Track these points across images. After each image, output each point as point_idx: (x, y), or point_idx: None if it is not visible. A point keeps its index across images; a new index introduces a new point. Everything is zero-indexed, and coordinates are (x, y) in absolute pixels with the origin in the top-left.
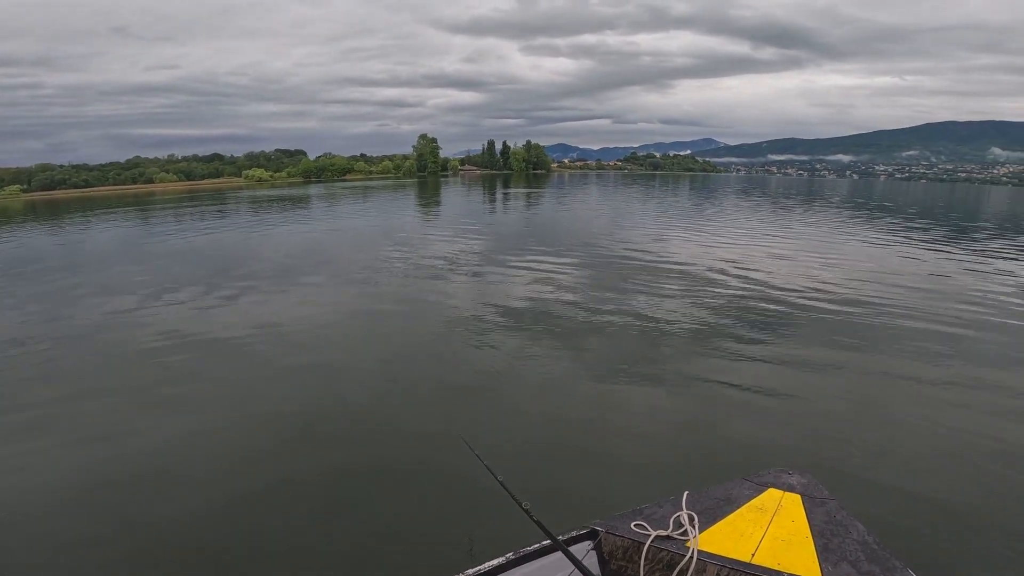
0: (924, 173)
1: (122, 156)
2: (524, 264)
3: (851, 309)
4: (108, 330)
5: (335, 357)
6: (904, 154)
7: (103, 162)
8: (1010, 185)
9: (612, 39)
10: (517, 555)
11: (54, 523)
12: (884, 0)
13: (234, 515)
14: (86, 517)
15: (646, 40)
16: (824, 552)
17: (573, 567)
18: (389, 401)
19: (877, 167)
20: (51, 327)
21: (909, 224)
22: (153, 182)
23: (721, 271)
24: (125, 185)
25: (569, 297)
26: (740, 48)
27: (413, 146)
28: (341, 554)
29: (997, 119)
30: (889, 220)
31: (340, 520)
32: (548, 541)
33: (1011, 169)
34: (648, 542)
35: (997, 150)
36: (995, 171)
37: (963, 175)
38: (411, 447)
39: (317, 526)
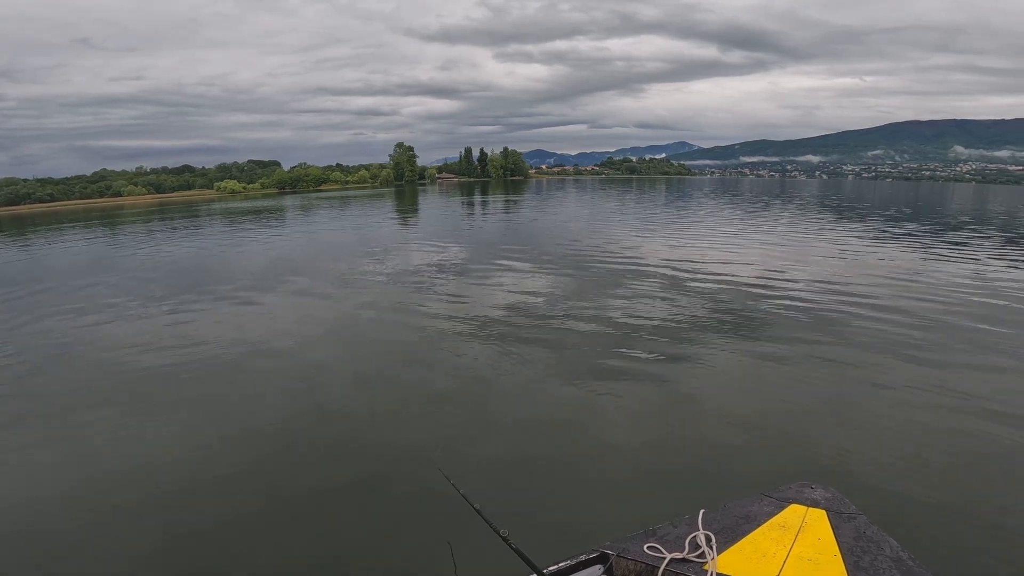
0: (890, 172)
1: (88, 169)
2: (504, 273)
3: (841, 310)
4: (82, 347)
5: (314, 372)
6: (870, 153)
7: (68, 175)
8: (973, 182)
9: (584, 45)
10: None
11: (37, 535)
12: (839, 1)
13: (210, 532)
14: (65, 531)
15: (617, 45)
16: (855, 571)
17: None
18: (368, 419)
19: (845, 167)
20: (23, 344)
21: (892, 226)
22: (121, 195)
23: (704, 275)
24: (92, 199)
25: (553, 305)
26: (708, 52)
27: (390, 155)
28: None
29: (958, 118)
30: (867, 220)
31: (318, 542)
32: (555, 568)
33: (973, 167)
34: (663, 566)
35: (959, 148)
36: (958, 168)
37: (927, 173)
38: (391, 467)
39: (291, 546)
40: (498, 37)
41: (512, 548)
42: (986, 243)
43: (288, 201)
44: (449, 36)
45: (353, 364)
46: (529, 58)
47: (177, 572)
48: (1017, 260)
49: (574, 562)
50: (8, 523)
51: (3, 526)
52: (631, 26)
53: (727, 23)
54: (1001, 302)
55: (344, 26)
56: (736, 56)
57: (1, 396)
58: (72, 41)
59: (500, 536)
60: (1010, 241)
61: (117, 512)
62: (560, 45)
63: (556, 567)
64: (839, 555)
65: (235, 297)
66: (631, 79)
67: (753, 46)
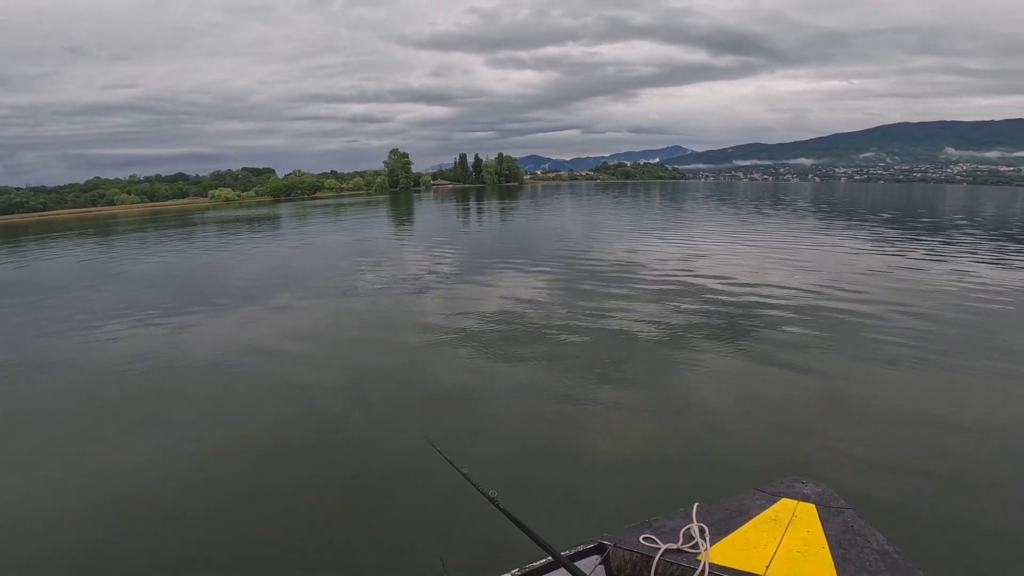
0: (881, 174)
1: (81, 177)
2: (501, 279)
3: (833, 312)
4: (79, 355)
5: (309, 374)
6: (861, 156)
7: (62, 184)
8: (965, 183)
9: (575, 50)
10: (523, 571)
11: (34, 540)
12: (823, 4)
13: (209, 530)
14: (65, 535)
15: (608, 50)
16: (842, 563)
17: None
18: (365, 420)
19: (837, 170)
20: (17, 351)
21: (885, 229)
22: (114, 204)
23: (698, 278)
24: (85, 207)
25: (549, 309)
26: (698, 56)
27: (384, 162)
28: (318, 566)
29: (948, 119)
30: (858, 224)
31: (316, 533)
32: (558, 555)
33: (964, 168)
34: (658, 556)
35: (950, 150)
36: (949, 170)
37: (919, 175)
38: (387, 461)
39: (292, 539)
40: (490, 43)
41: (500, 509)
42: (979, 244)
43: (283, 209)
44: (441, 43)
45: (349, 369)
46: (521, 64)
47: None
48: (1009, 261)
49: (572, 552)
50: (6, 525)
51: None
52: (622, 31)
53: (716, 27)
54: (993, 304)
55: (335, 34)
56: (726, 60)
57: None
58: (63, 49)
59: (488, 498)
60: (1004, 242)
61: (115, 513)
62: (552, 51)
63: (559, 555)
64: (827, 547)
65: (230, 305)
66: (623, 84)
67: (742, 50)
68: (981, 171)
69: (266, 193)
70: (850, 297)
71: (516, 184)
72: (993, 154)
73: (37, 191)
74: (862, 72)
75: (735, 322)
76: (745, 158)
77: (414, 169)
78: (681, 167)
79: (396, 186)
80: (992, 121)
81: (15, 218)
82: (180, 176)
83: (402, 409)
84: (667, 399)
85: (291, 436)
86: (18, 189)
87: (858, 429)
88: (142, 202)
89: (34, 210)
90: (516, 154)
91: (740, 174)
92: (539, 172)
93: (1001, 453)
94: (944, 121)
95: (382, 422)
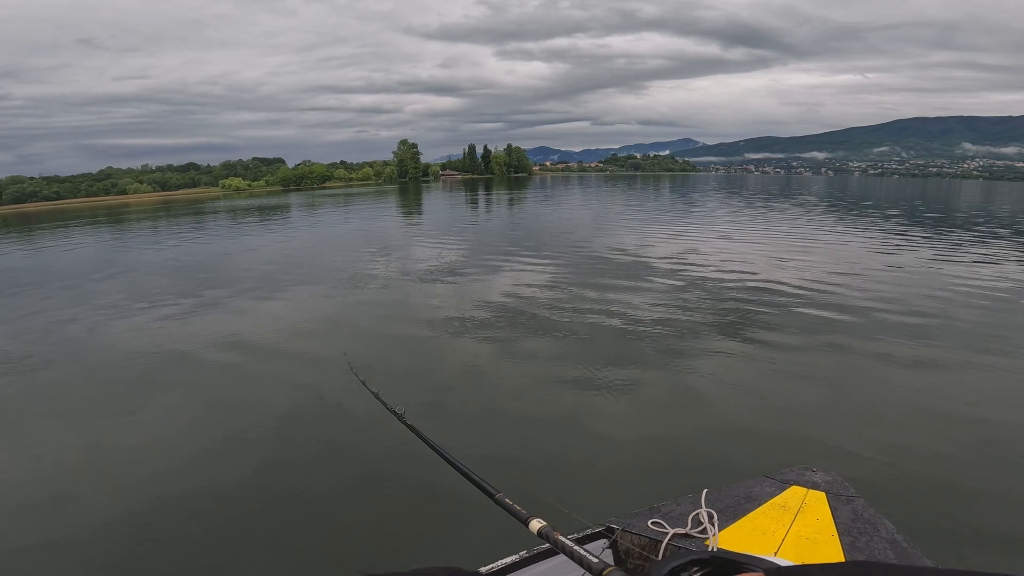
0: (896, 169)
1: (93, 167)
2: (509, 269)
3: (842, 304)
4: (87, 343)
5: (317, 368)
6: (876, 150)
7: (74, 173)
8: (981, 179)
9: (584, 42)
10: (530, 553)
11: (21, 529)
12: None
13: (204, 522)
14: (73, 521)
15: (618, 42)
16: (851, 551)
17: (583, 568)
18: (370, 411)
19: (851, 164)
20: (27, 341)
21: (896, 223)
22: (127, 193)
23: (707, 269)
24: (97, 197)
25: (557, 300)
26: (709, 49)
27: (393, 152)
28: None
29: (965, 115)
30: (870, 218)
31: (320, 518)
32: (562, 539)
33: (981, 163)
34: (666, 540)
35: (967, 145)
36: (965, 165)
37: (934, 170)
38: (392, 456)
39: (297, 524)
40: (498, 35)
41: (407, 425)
42: (993, 240)
43: (292, 199)
44: (449, 34)
45: (356, 359)
46: (530, 56)
47: (164, 562)
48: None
49: (580, 535)
50: (7, 520)
51: (3, 523)
52: (631, 23)
53: (728, 20)
54: (1005, 300)
55: (344, 25)
56: (737, 53)
57: (4, 393)
58: (75, 41)
59: (395, 414)
60: (1018, 239)
61: (120, 501)
62: (560, 42)
63: (563, 539)
64: (836, 535)
65: (239, 295)
66: (632, 76)
67: (754, 43)
68: (998, 167)
69: (276, 183)
70: (862, 290)
71: (525, 175)
72: (1010, 150)
73: (50, 180)
74: (876, 66)
75: (744, 313)
76: (757, 151)
77: (423, 160)
78: (692, 160)
79: (405, 176)
80: (1010, 117)
81: (28, 207)
82: (191, 166)
83: (405, 395)
84: (676, 387)
85: (296, 422)
86: (31, 178)
87: (869, 419)
88: (154, 191)
89: (47, 199)
90: (525, 145)
91: (752, 167)
92: (548, 163)
93: (1013, 446)
94: (961, 116)
95: (387, 413)
